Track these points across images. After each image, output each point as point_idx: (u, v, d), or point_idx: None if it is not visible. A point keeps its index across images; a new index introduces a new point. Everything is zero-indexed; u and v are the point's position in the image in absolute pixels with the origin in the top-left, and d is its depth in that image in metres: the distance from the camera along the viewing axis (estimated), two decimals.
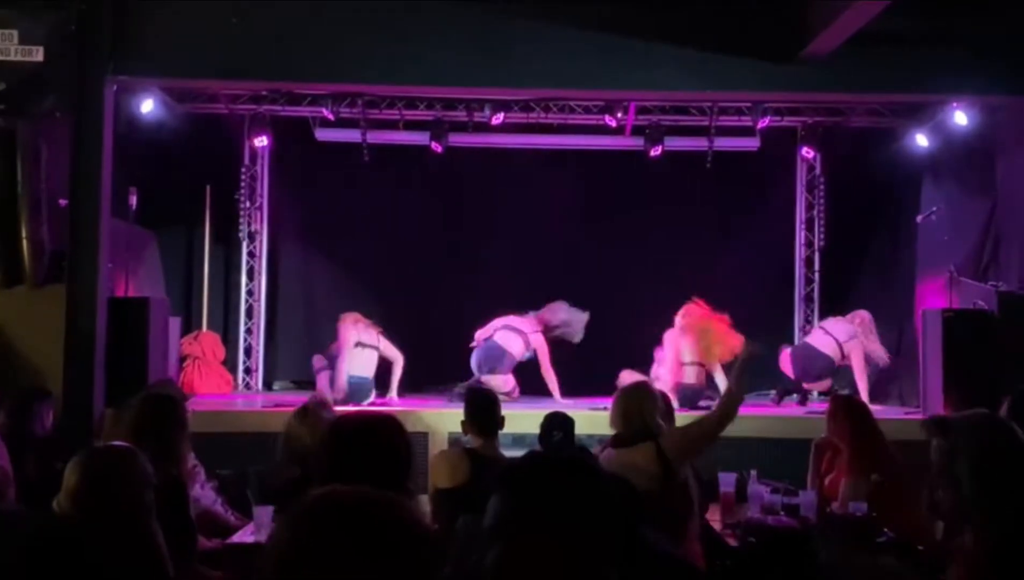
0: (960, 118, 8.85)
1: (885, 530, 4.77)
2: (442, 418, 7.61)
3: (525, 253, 10.23)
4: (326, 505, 1.66)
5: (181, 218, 10.50)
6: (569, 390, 8.85)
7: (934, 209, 9.19)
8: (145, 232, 9.58)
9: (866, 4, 6.40)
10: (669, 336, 8.88)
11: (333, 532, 1.59)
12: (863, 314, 9.11)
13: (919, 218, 9.42)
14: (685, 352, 8.79)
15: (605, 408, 7.54)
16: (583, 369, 9.16)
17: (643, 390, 4.93)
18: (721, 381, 8.39)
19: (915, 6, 6.71)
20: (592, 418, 6.98)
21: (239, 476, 6.13)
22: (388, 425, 3.00)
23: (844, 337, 8.93)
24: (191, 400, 6.74)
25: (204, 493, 5.28)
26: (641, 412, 4.68)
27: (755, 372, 8.67)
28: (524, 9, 7.54)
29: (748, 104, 9.47)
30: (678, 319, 8.86)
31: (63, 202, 7.48)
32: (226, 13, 7.48)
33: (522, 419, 6.65)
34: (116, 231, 8.09)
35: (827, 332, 9.10)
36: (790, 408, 8.93)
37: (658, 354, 9.03)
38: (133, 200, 8.63)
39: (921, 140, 9.71)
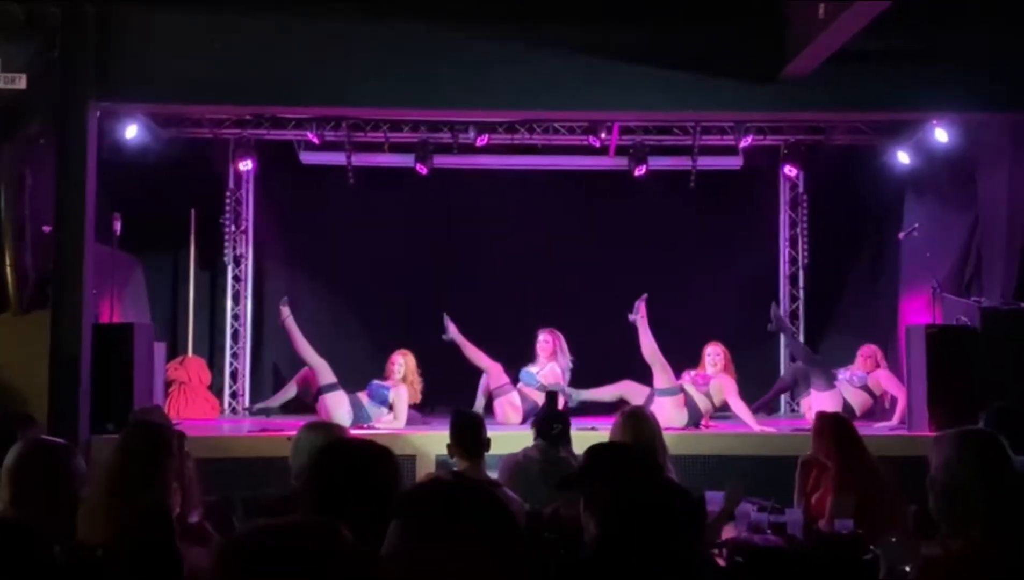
0: (941, 135, 8.91)
1: (871, 547, 4.77)
2: (429, 441, 7.58)
3: (511, 274, 10.24)
4: (254, 539, 1.68)
5: (166, 243, 10.49)
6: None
7: (916, 225, 9.24)
8: (130, 257, 9.56)
9: (846, 22, 6.45)
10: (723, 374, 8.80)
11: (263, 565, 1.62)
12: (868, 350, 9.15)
13: (901, 234, 9.48)
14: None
15: (593, 428, 7.61)
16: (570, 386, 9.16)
17: (645, 417, 4.96)
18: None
19: (895, 25, 6.76)
20: (580, 438, 6.95)
21: (225, 502, 6.09)
22: (378, 453, 3.00)
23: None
24: (178, 425, 6.70)
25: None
26: (642, 438, 4.70)
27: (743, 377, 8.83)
28: (507, 31, 7.58)
29: (731, 123, 9.52)
30: (721, 359, 8.82)
31: (47, 228, 7.47)
32: (209, 38, 7.51)
33: (508, 441, 6.64)
34: (100, 257, 8.08)
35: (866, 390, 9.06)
36: (777, 425, 8.93)
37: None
38: (117, 225, 8.60)
39: (903, 157, 9.78)
